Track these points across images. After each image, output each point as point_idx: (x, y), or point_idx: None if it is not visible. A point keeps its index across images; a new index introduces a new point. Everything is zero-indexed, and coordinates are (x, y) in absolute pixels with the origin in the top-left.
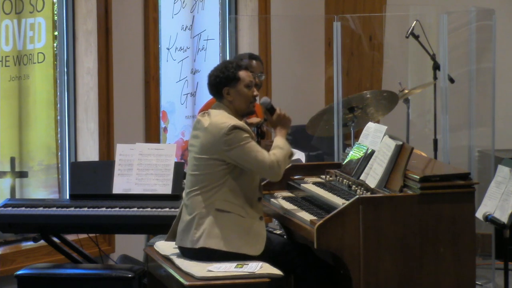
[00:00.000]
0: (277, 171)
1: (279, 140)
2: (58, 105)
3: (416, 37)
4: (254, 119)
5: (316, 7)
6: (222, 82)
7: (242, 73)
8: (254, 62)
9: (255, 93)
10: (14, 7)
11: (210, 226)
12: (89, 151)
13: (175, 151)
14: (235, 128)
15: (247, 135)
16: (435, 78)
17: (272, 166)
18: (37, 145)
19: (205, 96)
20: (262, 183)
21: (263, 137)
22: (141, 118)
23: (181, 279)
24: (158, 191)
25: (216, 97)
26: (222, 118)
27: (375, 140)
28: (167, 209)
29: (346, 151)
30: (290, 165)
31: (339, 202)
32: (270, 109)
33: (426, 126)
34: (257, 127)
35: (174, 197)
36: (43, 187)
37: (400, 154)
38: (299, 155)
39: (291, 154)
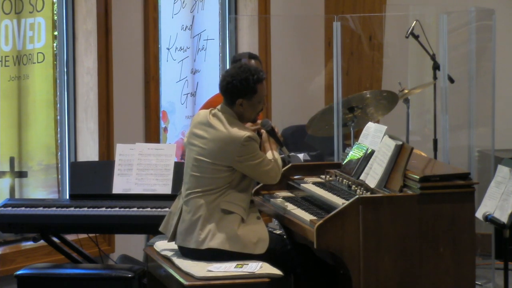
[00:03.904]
0: (278, 176)
1: (272, 153)
2: (58, 105)
3: (416, 37)
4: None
5: (316, 7)
6: (239, 94)
7: (260, 87)
8: (253, 61)
9: (264, 105)
10: (14, 7)
11: (216, 227)
12: (89, 151)
13: (175, 151)
14: (250, 139)
15: (257, 145)
16: (435, 78)
17: (275, 173)
18: (37, 145)
19: (205, 96)
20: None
21: (260, 136)
22: (141, 118)
23: (181, 279)
24: (158, 191)
25: (227, 101)
26: (235, 127)
27: (375, 140)
28: (167, 209)
29: (346, 151)
30: (289, 165)
31: (339, 202)
32: (269, 131)
33: (426, 126)
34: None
35: (174, 197)
36: (42, 187)
37: (400, 154)
38: (298, 160)
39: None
